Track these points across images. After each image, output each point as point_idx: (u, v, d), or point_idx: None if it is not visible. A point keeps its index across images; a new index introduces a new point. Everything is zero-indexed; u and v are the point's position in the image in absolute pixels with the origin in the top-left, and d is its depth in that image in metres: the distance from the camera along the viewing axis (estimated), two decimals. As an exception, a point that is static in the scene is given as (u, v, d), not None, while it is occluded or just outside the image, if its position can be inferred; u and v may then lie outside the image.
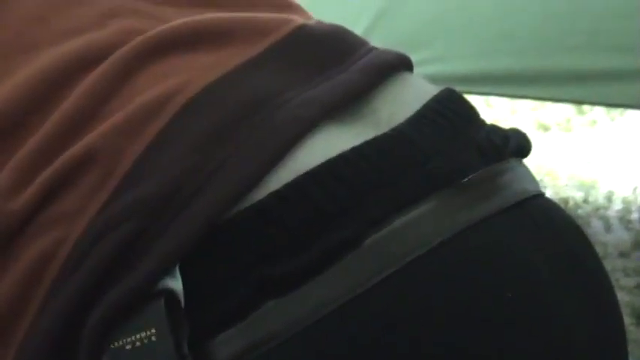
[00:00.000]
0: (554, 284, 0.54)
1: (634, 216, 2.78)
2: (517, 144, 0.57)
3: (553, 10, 2.47)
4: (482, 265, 0.50)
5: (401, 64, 0.58)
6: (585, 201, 2.89)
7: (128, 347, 0.47)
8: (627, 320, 2.27)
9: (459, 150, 0.54)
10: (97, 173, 0.51)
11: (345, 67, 0.56)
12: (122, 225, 0.48)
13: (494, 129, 0.57)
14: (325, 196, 0.48)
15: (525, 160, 0.58)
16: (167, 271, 0.47)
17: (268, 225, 0.48)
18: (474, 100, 0.64)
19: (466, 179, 0.50)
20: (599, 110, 3.40)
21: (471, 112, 0.57)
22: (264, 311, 0.46)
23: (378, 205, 0.49)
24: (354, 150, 0.49)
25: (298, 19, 0.60)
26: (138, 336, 0.49)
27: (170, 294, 0.47)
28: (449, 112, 0.55)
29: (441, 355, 0.46)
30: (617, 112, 3.41)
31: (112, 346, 0.47)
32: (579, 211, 2.76)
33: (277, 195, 0.46)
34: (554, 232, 0.57)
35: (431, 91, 0.56)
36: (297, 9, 0.66)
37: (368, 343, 0.46)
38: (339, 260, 0.46)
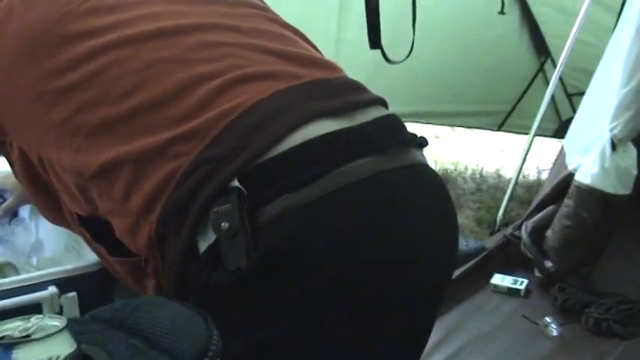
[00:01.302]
0: (419, 202, 0.94)
1: (475, 176, 4.14)
2: (421, 141, 1.00)
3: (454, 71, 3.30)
4: (385, 189, 0.90)
5: (379, 103, 1.00)
6: (454, 170, 4.20)
7: (216, 210, 0.84)
8: (472, 224, 3.54)
9: (392, 139, 0.94)
10: (200, 137, 0.88)
11: (348, 98, 0.95)
12: (209, 162, 0.85)
13: (412, 134, 0.99)
14: (309, 156, 0.86)
15: (425, 152, 0.99)
16: (234, 179, 0.83)
17: (284, 166, 0.85)
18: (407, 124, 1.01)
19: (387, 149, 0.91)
20: (462, 130, 4.56)
21: (401, 124, 0.99)
22: (284, 198, 0.84)
23: (339, 155, 0.88)
24: (329, 133, 0.88)
25: (339, 71, 1.01)
26: (222, 207, 0.84)
27: (237, 188, 0.83)
28: (395, 121, 0.98)
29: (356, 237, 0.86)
30: (469, 131, 4.50)
31: (211, 210, 0.84)
32: (452, 175, 4.12)
33: (290, 150, 0.85)
34: (428, 180, 0.99)
35: (386, 112, 0.98)
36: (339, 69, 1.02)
37: (343, 215, 0.86)
38: (322, 177, 0.85)
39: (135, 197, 0.90)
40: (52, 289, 1.17)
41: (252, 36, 1.00)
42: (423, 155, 1.00)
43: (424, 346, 1.03)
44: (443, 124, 4.13)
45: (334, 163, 0.86)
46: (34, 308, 1.15)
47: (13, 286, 1.16)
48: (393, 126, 0.98)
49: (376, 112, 0.98)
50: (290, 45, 1.03)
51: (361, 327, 0.89)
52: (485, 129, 4.08)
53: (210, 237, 0.85)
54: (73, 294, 1.18)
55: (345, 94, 0.96)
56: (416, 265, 0.92)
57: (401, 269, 0.90)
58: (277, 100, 0.91)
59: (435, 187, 1.00)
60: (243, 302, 0.87)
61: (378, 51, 2.08)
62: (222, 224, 0.83)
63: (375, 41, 1.97)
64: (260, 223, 0.84)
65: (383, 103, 1.01)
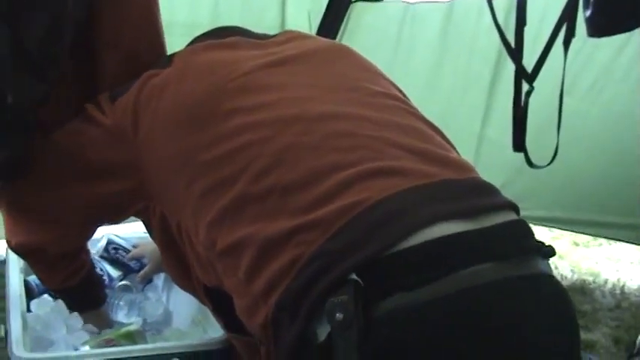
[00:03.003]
0: (535, 316, 0.91)
1: (615, 291, 3.81)
2: (548, 251, 0.97)
3: (600, 180, 3.18)
4: (501, 299, 0.89)
5: (509, 207, 0.98)
6: (593, 282, 3.83)
7: (332, 300, 0.84)
8: (608, 343, 3.23)
9: (516, 245, 0.94)
10: (324, 228, 0.90)
11: (475, 201, 0.95)
12: (330, 255, 0.88)
13: (539, 242, 0.97)
14: (428, 256, 0.87)
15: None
16: (352, 273, 0.85)
17: (402, 264, 0.86)
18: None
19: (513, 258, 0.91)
20: (604, 240, 4.17)
21: (529, 230, 0.97)
22: (398, 296, 0.83)
23: (459, 259, 0.88)
24: (451, 235, 0.88)
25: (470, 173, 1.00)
26: (339, 298, 0.85)
27: (355, 281, 0.84)
28: (522, 227, 0.97)
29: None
30: (612, 242, 4.12)
31: (328, 301, 0.85)
32: (590, 287, 3.77)
33: (410, 248, 0.86)
34: (549, 293, 0.95)
35: (515, 217, 0.97)
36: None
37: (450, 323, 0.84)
38: (439, 280, 0.85)
39: (257, 280, 0.93)
40: (177, 361, 1.19)
41: (388, 128, 1.02)
42: (548, 265, 0.97)
43: None
44: (583, 233, 3.95)
45: (453, 267, 0.86)
46: (159, 378, 1.17)
47: (142, 354, 1.20)
48: (518, 232, 0.97)
49: (503, 217, 0.96)
50: (424, 141, 1.03)
51: None
52: (629, 242, 3.85)
53: (325, 328, 0.86)
54: (196, 368, 1.19)
55: (474, 196, 0.96)
56: None
57: None
58: (403, 199, 0.91)
59: (556, 301, 0.97)
60: None
61: (521, 153, 2.05)
62: (337, 315, 0.84)
63: (519, 144, 1.96)
64: (374, 317, 0.84)
65: (513, 207, 1.00)
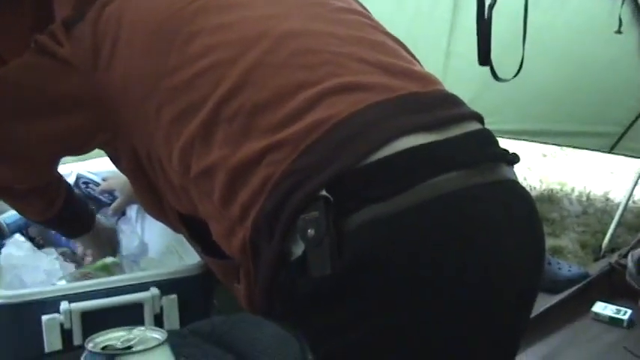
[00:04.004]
0: (503, 221, 0.93)
1: (581, 198, 4.05)
2: (512, 158, 0.99)
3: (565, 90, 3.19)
4: (470, 205, 0.91)
5: (473, 117, 0.99)
6: (560, 190, 4.06)
7: (303, 217, 0.86)
8: (576, 247, 3.42)
9: (481, 153, 0.95)
10: (292, 146, 0.91)
11: (440, 113, 0.95)
12: (299, 172, 0.89)
13: (503, 149, 0.98)
14: (396, 168, 0.88)
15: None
16: (322, 189, 0.86)
17: (371, 177, 0.88)
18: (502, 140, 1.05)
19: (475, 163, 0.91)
20: (571, 150, 4.23)
21: (493, 139, 0.99)
22: (369, 209, 0.85)
23: (426, 169, 0.89)
24: (417, 146, 0.89)
25: (436, 86, 1.01)
26: (310, 215, 0.87)
27: (325, 197, 0.86)
28: (487, 136, 0.98)
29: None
30: (578, 151, 4.14)
31: (299, 218, 0.87)
32: (558, 195, 3.97)
33: (378, 162, 0.87)
34: (515, 197, 0.98)
35: (479, 127, 0.98)
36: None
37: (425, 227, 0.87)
38: (408, 190, 0.86)
39: (232, 204, 0.94)
40: (154, 290, 1.21)
41: (352, 43, 1.01)
42: (513, 172, 0.99)
43: None
44: (551, 143, 4.01)
45: (421, 177, 0.87)
46: (136, 308, 1.19)
47: (118, 285, 1.21)
48: (483, 141, 0.98)
49: (468, 127, 0.97)
50: (388, 55, 1.02)
51: (440, 339, 0.90)
52: (595, 150, 3.90)
53: (299, 245, 0.87)
54: (173, 296, 1.21)
55: (438, 108, 0.96)
56: (498, 284, 0.93)
57: (481, 288, 0.90)
58: (369, 114, 0.92)
59: (522, 206, 0.98)
60: (327, 310, 0.89)
61: (487, 67, 2.05)
62: (309, 231, 0.85)
63: (484, 57, 1.94)
64: (345, 231, 0.85)
65: (478, 117, 1.01)
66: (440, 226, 0.88)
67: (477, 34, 1.93)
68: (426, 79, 1.02)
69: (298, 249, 0.88)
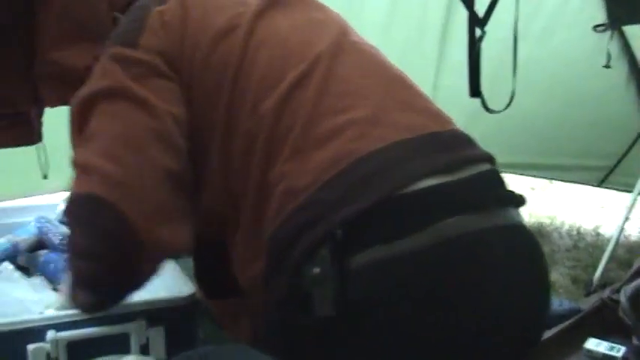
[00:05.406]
0: (509, 266, 0.92)
1: (572, 232, 3.94)
2: (519, 200, 0.99)
3: (554, 124, 3.19)
4: (475, 250, 0.89)
5: (486, 160, 0.99)
6: (550, 224, 4.02)
7: (313, 255, 0.85)
8: (567, 282, 3.36)
9: (490, 196, 0.95)
10: (312, 178, 0.91)
11: (455, 155, 0.95)
12: (315, 206, 0.89)
13: (511, 191, 0.99)
14: (405, 210, 0.87)
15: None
16: (334, 228, 0.85)
17: (380, 217, 0.85)
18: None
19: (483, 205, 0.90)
20: (560, 183, 4.25)
21: (501, 180, 0.98)
22: (374, 249, 0.84)
23: (436, 211, 0.87)
24: (428, 187, 0.88)
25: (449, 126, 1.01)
26: (320, 253, 0.86)
27: (334, 236, 0.85)
28: (492, 176, 0.98)
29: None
30: (568, 185, 4.17)
31: (309, 255, 0.85)
32: (547, 229, 3.94)
33: (379, 206, 0.85)
34: (521, 243, 0.97)
35: (487, 168, 0.96)
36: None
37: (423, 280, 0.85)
38: (415, 233, 0.85)
39: (258, 229, 0.94)
40: (141, 320, 1.20)
41: (376, 76, 1.02)
42: (519, 214, 0.98)
43: None
44: (540, 177, 4.02)
45: (429, 219, 0.86)
46: (123, 337, 1.18)
47: (105, 314, 1.19)
48: (492, 183, 0.98)
49: (478, 168, 0.97)
50: (409, 90, 1.03)
51: None
52: (584, 184, 3.91)
53: (306, 281, 0.86)
54: (160, 327, 1.20)
55: (455, 149, 0.96)
56: (498, 332, 0.91)
57: (480, 334, 0.89)
58: (390, 152, 0.91)
59: (528, 251, 0.97)
60: (326, 347, 0.87)
61: (476, 99, 2.04)
62: (314, 269, 0.84)
63: (475, 89, 1.93)
64: (349, 271, 0.84)
65: (489, 158, 1.00)
66: (443, 271, 0.87)
67: (469, 65, 1.94)
68: (441, 116, 1.02)
69: (305, 285, 0.87)
